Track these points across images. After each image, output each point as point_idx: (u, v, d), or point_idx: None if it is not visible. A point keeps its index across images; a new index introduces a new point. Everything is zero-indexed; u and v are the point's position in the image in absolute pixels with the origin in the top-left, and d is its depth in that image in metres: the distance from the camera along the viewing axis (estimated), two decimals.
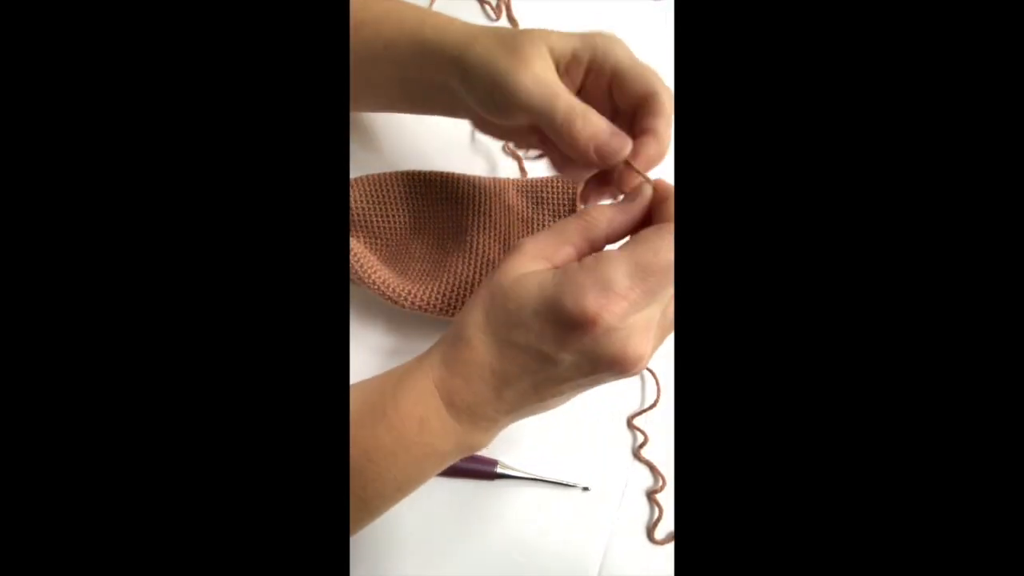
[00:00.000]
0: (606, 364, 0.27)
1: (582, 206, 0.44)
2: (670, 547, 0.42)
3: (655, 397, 0.45)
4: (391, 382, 0.30)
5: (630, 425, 0.45)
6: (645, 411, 0.45)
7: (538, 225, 0.46)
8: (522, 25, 0.54)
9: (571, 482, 0.42)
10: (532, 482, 0.42)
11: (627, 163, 0.31)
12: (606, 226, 0.30)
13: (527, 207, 0.46)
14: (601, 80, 0.33)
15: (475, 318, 0.29)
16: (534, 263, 0.29)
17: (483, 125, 0.38)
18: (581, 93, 0.34)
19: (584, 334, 0.26)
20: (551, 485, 0.42)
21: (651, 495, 0.43)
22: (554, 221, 0.46)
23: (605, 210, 0.30)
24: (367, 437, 0.28)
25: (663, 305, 0.28)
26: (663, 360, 0.45)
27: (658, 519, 0.43)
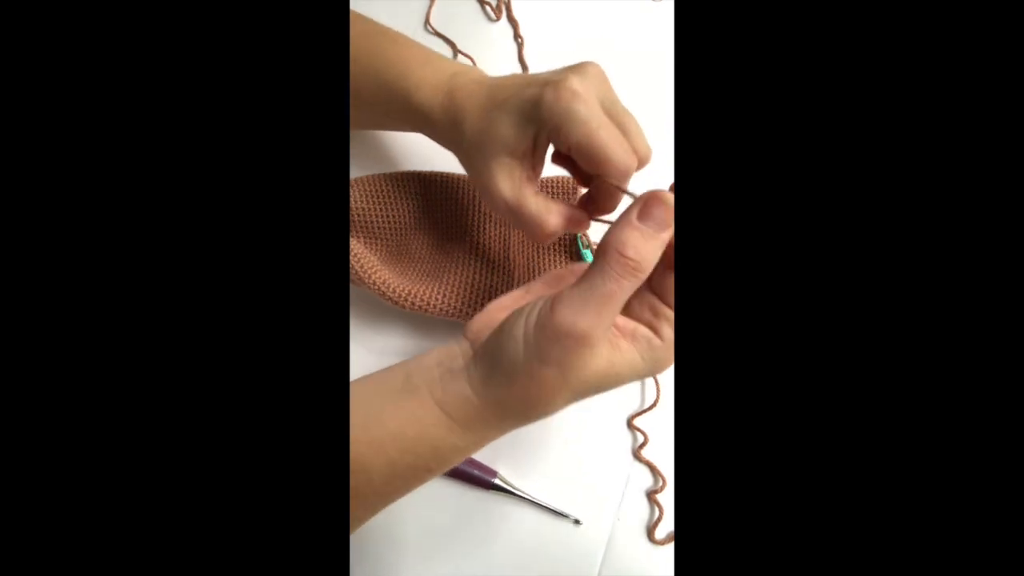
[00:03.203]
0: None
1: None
2: (670, 547, 0.42)
3: (655, 397, 0.45)
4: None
5: (630, 426, 0.45)
6: (645, 411, 0.45)
7: None
8: (523, 27, 0.54)
9: (564, 512, 0.42)
10: (528, 502, 0.43)
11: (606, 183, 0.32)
12: (652, 267, 0.28)
13: None
14: (562, 149, 0.34)
15: (555, 408, 0.30)
16: (605, 345, 0.28)
17: None
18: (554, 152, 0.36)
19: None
20: (545, 510, 0.43)
21: (651, 495, 0.43)
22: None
23: (654, 255, 0.27)
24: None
25: None
26: None
27: (658, 519, 0.43)
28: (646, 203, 0.27)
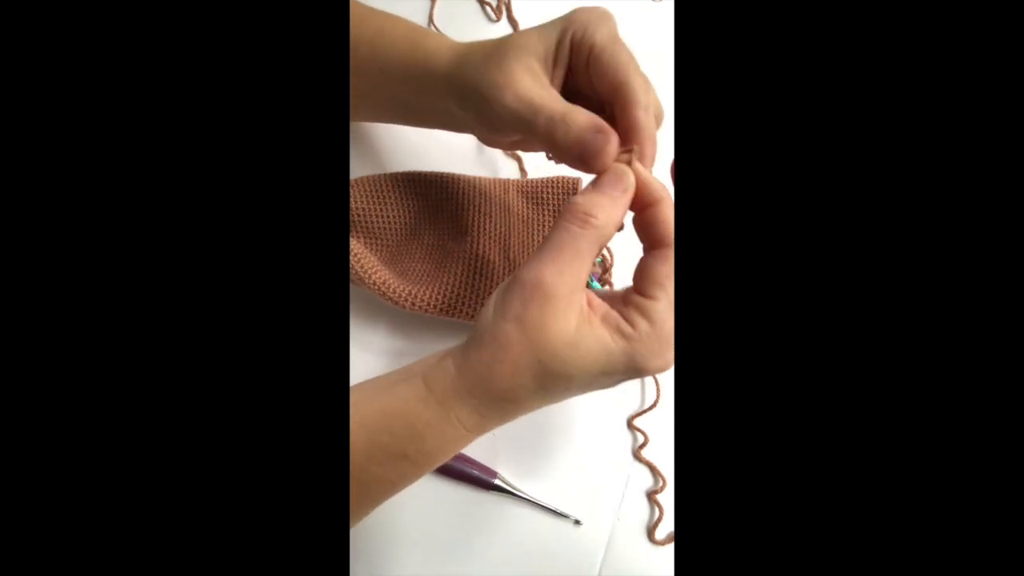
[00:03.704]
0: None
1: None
2: (670, 547, 0.42)
3: (655, 397, 0.45)
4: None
5: (630, 426, 0.45)
6: (645, 412, 0.45)
7: (538, 225, 0.46)
8: (523, 27, 0.54)
9: (564, 512, 0.42)
10: (528, 503, 0.43)
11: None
12: (612, 228, 0.29)
13: (527, 208, 0.46)
14: (581, 60, 0.32)
15: (523, 382, 0.29)
16: (571, 308, 0.28)
17: (488, 141, 0.38)
18: (570, 74, 0.34)
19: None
20: (545, 511, 0.43)
21: (651, 495, 0.43)
22: (554, 222, 0.46)
23: (605, 208, 0.29)
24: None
25: None
26: None
27: (658, 519, 0.43)
28: (597, 175, 0.30)
